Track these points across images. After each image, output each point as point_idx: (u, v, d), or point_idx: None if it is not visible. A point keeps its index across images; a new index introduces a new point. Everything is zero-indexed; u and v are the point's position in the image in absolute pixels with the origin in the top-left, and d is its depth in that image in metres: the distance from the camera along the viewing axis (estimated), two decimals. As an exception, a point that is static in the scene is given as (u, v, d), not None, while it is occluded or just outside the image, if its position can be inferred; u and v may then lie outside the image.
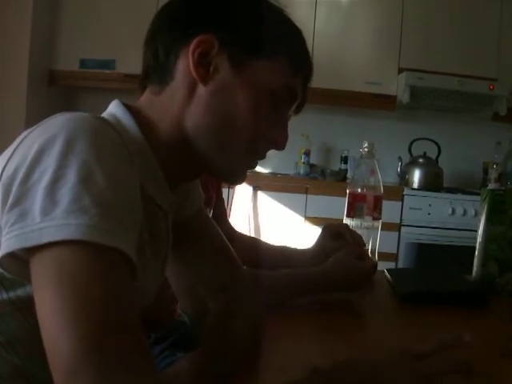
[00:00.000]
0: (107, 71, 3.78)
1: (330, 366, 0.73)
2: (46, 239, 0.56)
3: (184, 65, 0.82)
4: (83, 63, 3.85)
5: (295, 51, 0.87)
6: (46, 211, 0.58)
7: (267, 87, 0.84)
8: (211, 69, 0.81)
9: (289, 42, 0.86)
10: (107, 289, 0.57)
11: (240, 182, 0.93)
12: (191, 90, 0.82)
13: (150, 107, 0.85)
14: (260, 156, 0.89)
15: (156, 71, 0.85)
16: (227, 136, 0.84)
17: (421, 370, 0.71)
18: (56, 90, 3.99)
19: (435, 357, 0.73)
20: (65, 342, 0.53)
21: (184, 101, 0.83)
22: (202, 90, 0.82)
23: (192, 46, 0.80)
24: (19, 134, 0.69)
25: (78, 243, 0.57)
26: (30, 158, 0.61)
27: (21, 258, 0.61)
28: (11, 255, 0.60)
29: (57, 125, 0.65)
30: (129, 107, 0.84)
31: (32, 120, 3.51)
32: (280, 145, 0.89)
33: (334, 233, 1.47)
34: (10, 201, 0.60)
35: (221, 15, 0.83)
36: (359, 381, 0.72)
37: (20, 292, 0.66)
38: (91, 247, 0.57)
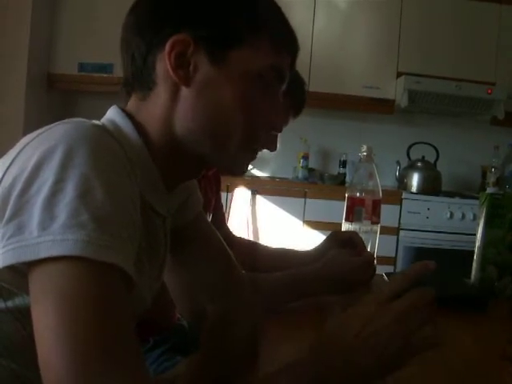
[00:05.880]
0: (105, 75, 3.78)
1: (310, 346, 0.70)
2: (43, 254, 0.56)
3: (163, 69, 0.79)
4: (81, 67, 3.84)
5: (275, 29, 0.83)
6: (44, 225, 0.57)
7: (252, 73, 0.81)
8: (191, 69, 0.79)
9: (267, 22, 0.82)
10: (103, 306, 0.57)
11: (243, 173, 0.91)
12: (175, 93, 0.80)
13: (138, 113, 0.82)
14: (260, 143, 0.88)
15: (137, 78, 0.82)
16: (222, 134, 0.82)
17: (394, 313, 0.67)
18: (54, 93, 3.99)
19: (409, 296, 0.69)
20: (58, 358, 0.53)
21: (169, 105, 0.80)
22: (185, 92, 0.80)
23: (167, 49, 0.77)
24: (18, 138, 0.69)
25: (74, 259, 0.56)
26: (28, 169, 0.61)
27: (19, 270, 0.61)
28: (9, 267, 0.60)
29: (56, 135, 0.64)
30: (126, 113, 0.83)
31: (30, 123, 3.52)
32: (278, 127, 0.87)
33: (342, 239, 1.46)
34: (8, 213, 0.60)
35: (189, 11, 0.79)
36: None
37: (18, 301, 0.66)
38: (88, 263, 0.57)
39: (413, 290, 0.70)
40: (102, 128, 0.70)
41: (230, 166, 0.89)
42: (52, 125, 0.68)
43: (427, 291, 0.70)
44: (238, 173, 0.90)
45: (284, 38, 0.85)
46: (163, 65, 0.79)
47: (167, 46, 0.78)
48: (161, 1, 0.81)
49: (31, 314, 0.58)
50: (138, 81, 0.82)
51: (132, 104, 0.85)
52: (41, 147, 0.63)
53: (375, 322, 0.68)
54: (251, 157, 0.89)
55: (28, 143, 0.66)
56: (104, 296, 0.57)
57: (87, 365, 0.53)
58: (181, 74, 0.79)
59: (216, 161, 0.87)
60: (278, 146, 1.43)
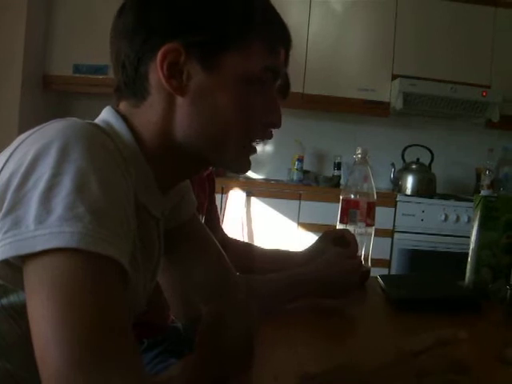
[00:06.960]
0: (100, 76, 3.78)
1: (320, 372, 0.72)
2: (39, 247, 0.56)
3: (156, 79, 0.79)
4: (76, 68, 3.85)
5: (266, 30, 0.82)
6: (41, 219, 0.57)
7: (247, 76, 0.80)
8: (184, 78, 0.78)
9: (257, 24, 0.81)
10: (99, 298, 0.57)
11: (247, 170, 0.91)
12: (170, 102, 0.80)
13: (132, 118, 0.82)
14: (260, 141, 0.89)
15: (128, 87, 0.82)
16: (221, 136, 0.82)
17: (415, 368, 0.69)
18: (49, 94, 3.99)
19: (430, 354, 0.71)
20: (55, 350, 0.53)
21: (166, 113, 0.80)
22: (180, 100, 0.79)
23: (159, 59, 0.77)
24: (13, 139, 0.69)
25: (71, 251, 0.57)
26: (25, 164, 0.61)
27: (14, 266, 0.61)
28: (5, 262, 0.60)
29: (52, 132, 0.65)
30: (120, 114, 0.83)
31: (26, 124, 3.50)
32: (276, 125, 0.88)
33: (335, 238, 1.46)
34: (5, 208, 0.60)
35: (178, 19, 0.78)
36: None
37: (12, 298, 0.66)
38: (85, 255, 0.57)
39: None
40: (97, 126, 0.70)
41: (232, 165, 0.90)
42: (47, 122, 0.68)
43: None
44: (241, 171, 0.91)
45: (277, 36, 0.85)
46: (156, 74, 0.78)
47: (159, 56, 0.77)
48: (148, 8, 0.80)
49: (27, 308, 0.58)
50: (130, 89, 0.82)
51: (124, 109, 0.84)
52: (37, 143, 0.63)
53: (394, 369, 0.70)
54: (251, 152, 0.89)
55: (24, 140, 0.67)
56: (100, 288, 0.58)
57: (83, 356, 0.53)
58: (174, 83, 0.78)
59: (218, 162, 0.89)
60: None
